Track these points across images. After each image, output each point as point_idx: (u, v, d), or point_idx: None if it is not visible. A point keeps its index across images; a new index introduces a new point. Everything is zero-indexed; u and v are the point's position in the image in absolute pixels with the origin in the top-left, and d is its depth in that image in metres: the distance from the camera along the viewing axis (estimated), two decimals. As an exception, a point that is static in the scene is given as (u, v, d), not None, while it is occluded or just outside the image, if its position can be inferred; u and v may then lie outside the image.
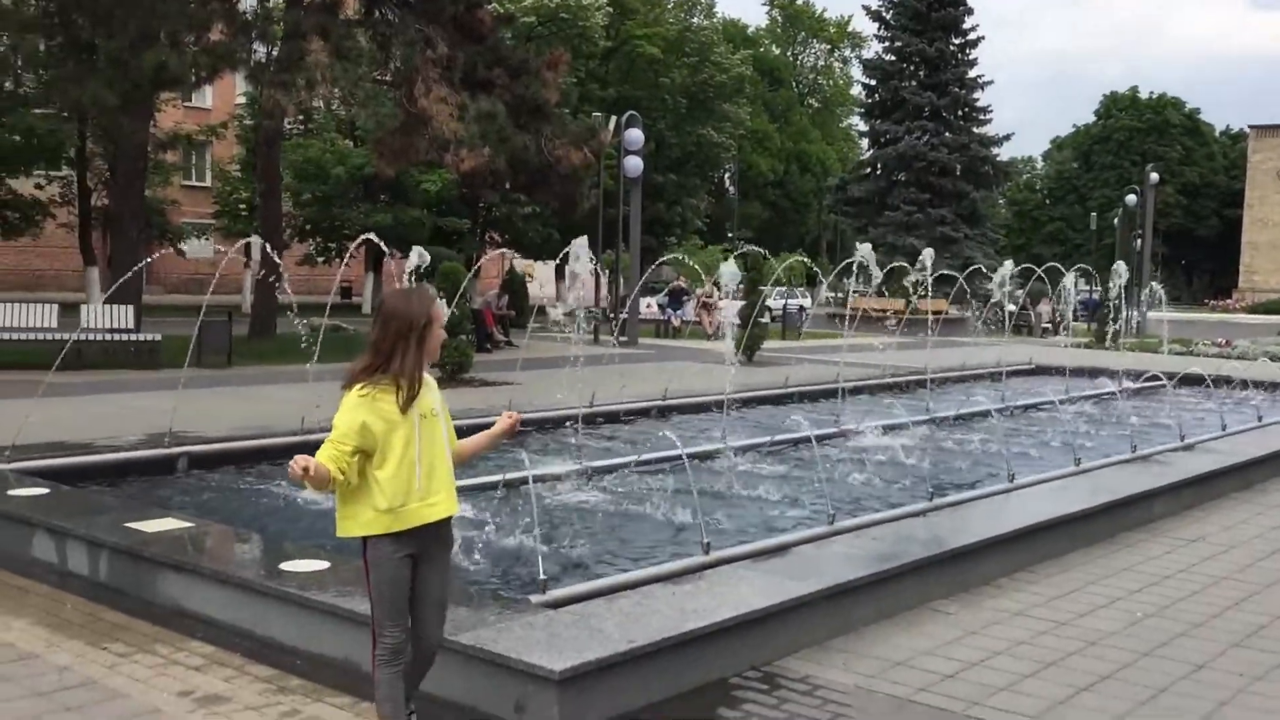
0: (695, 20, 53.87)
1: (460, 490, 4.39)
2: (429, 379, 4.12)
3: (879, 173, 53.69)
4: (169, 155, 40.36)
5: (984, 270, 37.93)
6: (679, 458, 8.97)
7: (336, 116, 40.40)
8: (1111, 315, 26.08)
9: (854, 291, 36.75)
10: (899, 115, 52.13)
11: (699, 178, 54.01)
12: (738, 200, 70.16)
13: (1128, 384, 17.59)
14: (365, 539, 4.00)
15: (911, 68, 53.00)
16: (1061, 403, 15.63)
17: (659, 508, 8.83)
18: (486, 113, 20.90)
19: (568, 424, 11.23)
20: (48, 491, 7.63)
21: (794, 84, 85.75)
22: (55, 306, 18.84)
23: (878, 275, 14.73)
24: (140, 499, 8.36)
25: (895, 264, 27.69)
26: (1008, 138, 55.10)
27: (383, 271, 44.12)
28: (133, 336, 18.51)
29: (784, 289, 45.66)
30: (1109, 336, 25.94)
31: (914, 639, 5.82)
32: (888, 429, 12.70)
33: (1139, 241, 46.22)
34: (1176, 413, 13.16)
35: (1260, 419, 13.63)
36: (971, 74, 52.99)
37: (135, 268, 16.49)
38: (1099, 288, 36.79)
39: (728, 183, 72.54)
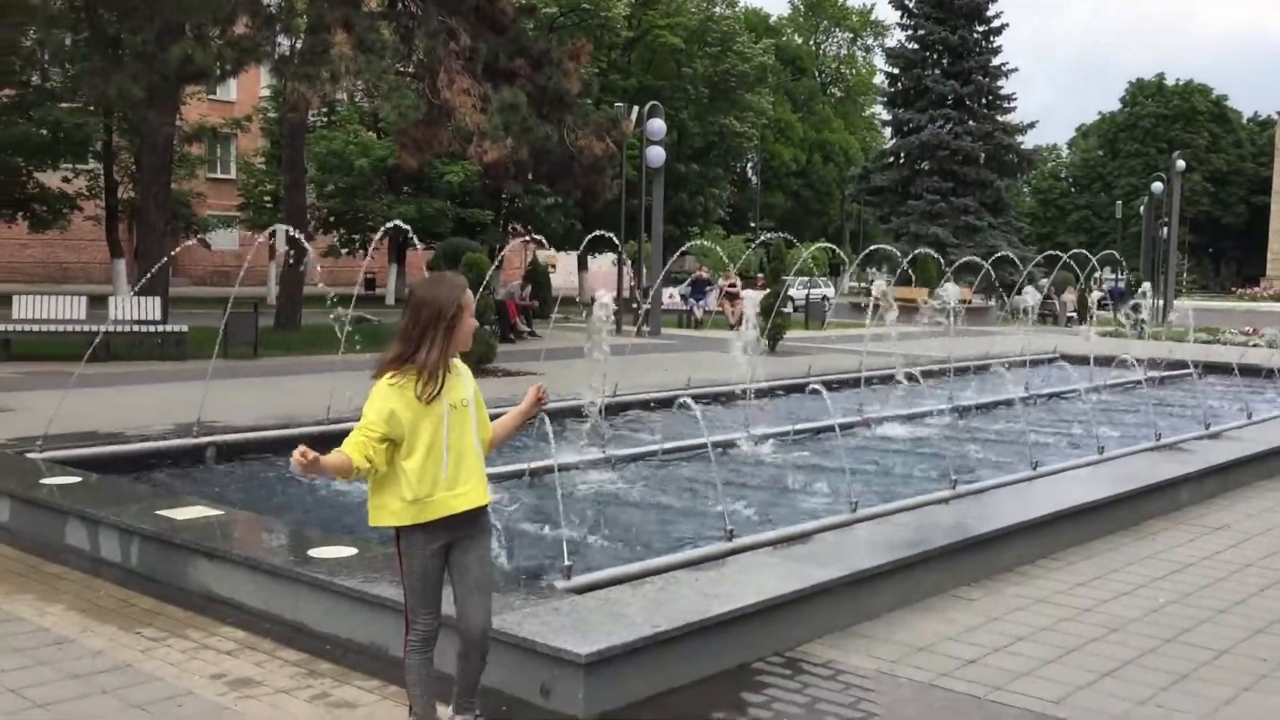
0: (717, 10, 53.68)
1: (487, 478, 4.33)
2: (463, 368, 4.09)
3: (902, 161, 53.40)
4: (194, 148, 40.64)
5: (1012, 259, 37.82)
6: (702, 446, 9.01)
7: (360, 109, 40.55)
8: (1137, 304, 25.96)
9: (877, 281, 36.64)
10: (922, 104, 51.82)
11: (721, 167, 53.96)
12: (760, 190, 70.02)
13: (1153, 372, 17.51)
14: (397, 529, 4.00)
15: (935, 56, 52.66)
16: (1086, 392, 15.59)
17: (682, 495, 8.89)
18: (509, 104, 20.97)
19: (590, 413, 11.28)
20: (80, 480, 7.75)
21: (816, 73, 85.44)
22: (84, 298, 19.04)
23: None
24: (170, 487, 8.49)
25: (919, 251, 27.66)
26: (1032, 125, 54.85)
27: (406, 262, 44.33)
28: (160, 328, 18.68)
29: (807, 279, 45.59)
30: (1134, 325, 25.84)
31: (937, 625, 5.85)
32: (910, 418, 12.71)
33: (1165, 230, 45.86)
34: (1202, 401, 13.11)
35: (1287, 407, 13.55)
36: (995, 62, 52.58)
37: (163, 260, 16.65)
38: (1125, 275, 36.63)
39: (750, 172, 72.41)
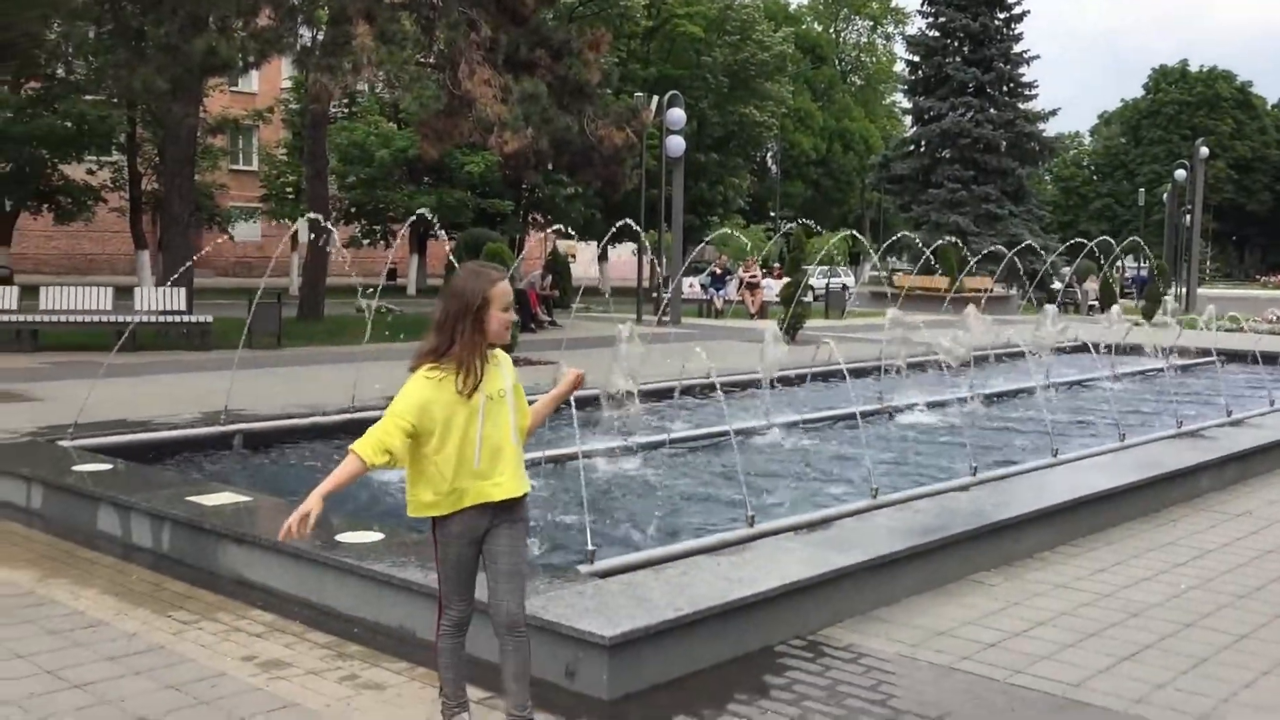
0: (736, -2, 53.62)
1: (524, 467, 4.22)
2: (504, 358, 4.04)
3: (922, 150, 53.15)
4: (217, 140, 40.89)
5: (1034, 247, 37.67)
6: (724, 433, 9.07)
7: (380, 100, 40.71)
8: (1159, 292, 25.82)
9: (897, 270, 36.57)
10: (943, 91, 51.56)
11: (741, 157, 53.89)
12: (780, 179, 69.90)
13: (1176, 360, 17.46)
14: (433, 518, 4.00)
15: (955, 43, 52.37)
16: (1108, 379, 15.57)
17: (704, 482, 8.95)
18: (529, 94, 21.03)
19: (614, 400, 11.34)
20: (111, 467, 7.88)
21: (836, 61, 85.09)
22: (110, 289, 19.23)
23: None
24: (198, 474, 8.61)
25: (940, 242, 27.64)
26: (1054, 113, 54.45)
27: (427, 253, 44.50)
28: (185, 318, 18.86)
29: (827, 268, 45.54)
30: (1157, 314, 25.69)
31: (957, 610, 5.90)
32: (930, 405, 12.73)
33: (1188, 217, 45.58)
34: (1224, 389, 13.08)
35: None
36: (1017, 49, 52.25)
37: (195, 256, 16.80)
38: (1147, 263, 36.40)
39: (770, 162, 72.25)
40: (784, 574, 5.56)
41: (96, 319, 18.36)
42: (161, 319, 18.73)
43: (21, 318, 17.96)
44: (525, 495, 4.08)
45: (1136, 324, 22.04)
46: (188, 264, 15.81)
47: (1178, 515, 8.19)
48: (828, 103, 78.27)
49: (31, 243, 46.47)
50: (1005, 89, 52.27)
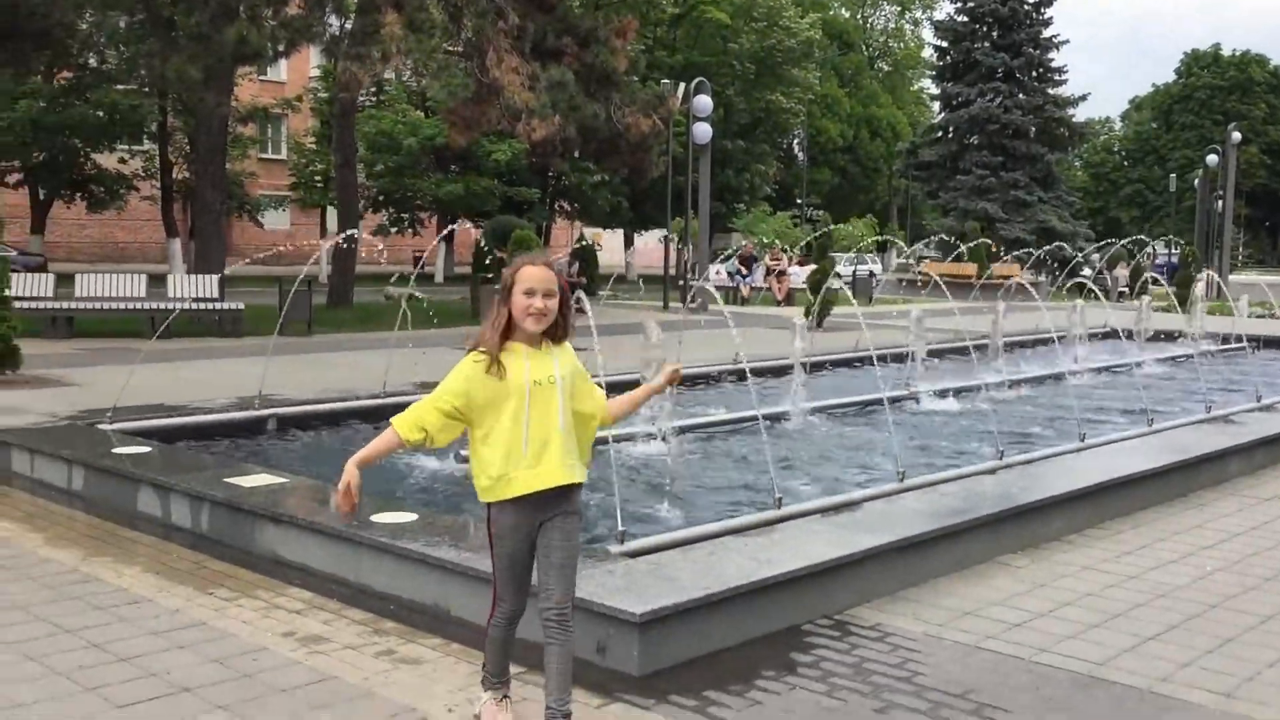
0: (764, -16, 53.44)
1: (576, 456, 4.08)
2: (565, 346, 4.00)
3: (950, 136, 52.90)
4: (246, 129, 41.20)
5: (1061, 234, 37.50)
6: (752, 418, 9.14)
7: (408, 88, 40.87)
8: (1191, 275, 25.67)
9: (925, 257, 36.47)
10: (971, 77, 51.30)
11: (767, 144, 53.80)
12: (807, 166, 69.68)
13: (1206, 346, 17.39)
14: (489, 507, 4.00)
15: (984, 28, 52.06)
16: (1137, 365, 15.53)
17: (732, 465, 9.03)
18: (557, 82, 21.11)
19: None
20: (150, 450, 8.04)
21: (864, 47, 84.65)
22: (144, 277, 19.46)
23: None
24: (235, 457, 8.77)
25: (969, 227, 27.52)
26: (1084, 98, 53.95)
27: (454, 241, 44.69)
28: (217, 305, 19.07)
29: (854, 255, 45.43)
30: (1187, 301, 25.51)
31: (983, 591, 5.96)
32: (959, 391, 12.76)
33: (1220, 203, 45.17)
34: (1255, 375, 13.03)
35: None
36: (1046, 34, 51.90)
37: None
38: (1175, 250, 36.10)
39: (796, 148, 72.03)
40: (811, 555, 5.64)
41: (130, 306, 18.59)
42: (194, 306, 18.95)
43: (58, 305, 18.22)
44: (578, 486, 4.01)
45: (1166, 310, 21.93)
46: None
47: (1206, 499, 8.21)
48: (855, 89, 77.90)
49: (64, 231, 47.02)
50: (1034, 74, 51.93)
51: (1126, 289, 36.77)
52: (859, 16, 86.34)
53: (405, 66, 23.42)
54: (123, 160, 38.10)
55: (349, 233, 14.85)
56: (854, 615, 5.54)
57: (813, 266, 22.52)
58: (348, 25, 21.55)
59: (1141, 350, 16.96)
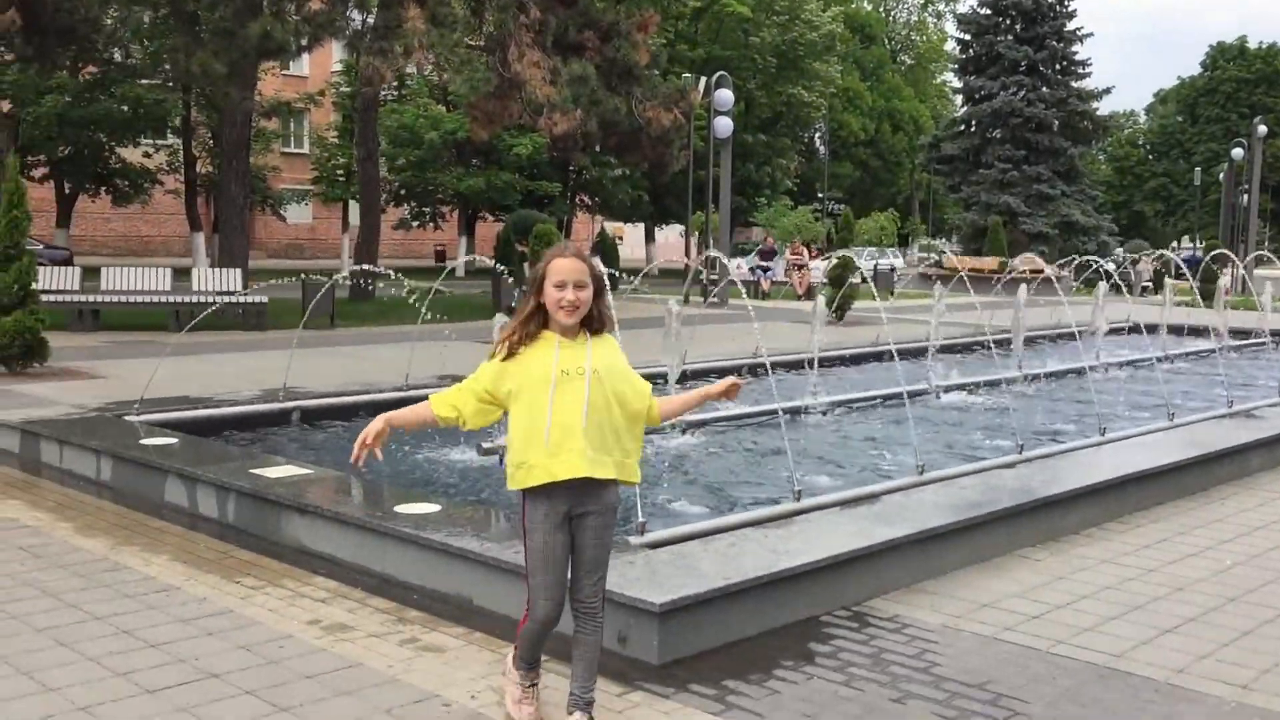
0: (785, -23, 53.33)
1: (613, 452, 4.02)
2: (604, 338, 4.01)
3: (973, 130, 52.73)
4: (269, 123, 41.43)
5: (1084, 228, 37.35)
6: (773, 411, 9.18)
7: (429, 82, 41.01)
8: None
9: (945, 251, 36.35)
10: (994, 70, 51.09)
11: (789, 138, 53.69)
12: (828, 160, 69.54)
13: (1228, 341, 17.31)
14: (524, 499, 3.99)
15: (1007, 21, 51.84)
16: (1159, 360, 15.48)
17: (752, 458, 9.07)
18: (578, 76, 21.18)
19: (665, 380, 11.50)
20: (176, 441, 8.14)
21: (886, 40, 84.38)
22: (169, 270, 19.64)
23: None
24: (260, 448, 8.87)
25: (991, 221, 27.43)
26: (1107, 91, 53.75)
27: (475, 234, 44.83)
28: (241, 299, 19.23)
29: (875, 249, 45.34)
30: (1211, 295, 25.37)
31: (1001, 583, 5.99)
32: (979, 386, 12.76)
33: (1245, 197, 44.84)
34: (1277, 370, 12.98)
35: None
36: (1070, 26, 51.65)
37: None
38: (1200, 244, 35.87)
39: (818, 142, 71.89)
40: (830, 546, 5.68)
41: (155, 299, 18.77)
42: (218, 299, 19.11)
43: (84, 298, 18.41)
44: (611, 482, 3.98)
45: (1189, 304, 21.82)
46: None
47: (1227, 494, 8.20)
48: (877, 82, 77.67)
49: (89, 225, 47.41)
50: (1057, 67, 51.68)
51: (1150, 283, 36.59)
52: (881, 9, 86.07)
53: (427, 61, 23.50)
54: (147, 155, 38.38)
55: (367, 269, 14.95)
56: (872, 606, 5.58)
57: (831, 260, 22.50)
58: (370, 20, 21.66)
59: (1164, 345, 16.89)
